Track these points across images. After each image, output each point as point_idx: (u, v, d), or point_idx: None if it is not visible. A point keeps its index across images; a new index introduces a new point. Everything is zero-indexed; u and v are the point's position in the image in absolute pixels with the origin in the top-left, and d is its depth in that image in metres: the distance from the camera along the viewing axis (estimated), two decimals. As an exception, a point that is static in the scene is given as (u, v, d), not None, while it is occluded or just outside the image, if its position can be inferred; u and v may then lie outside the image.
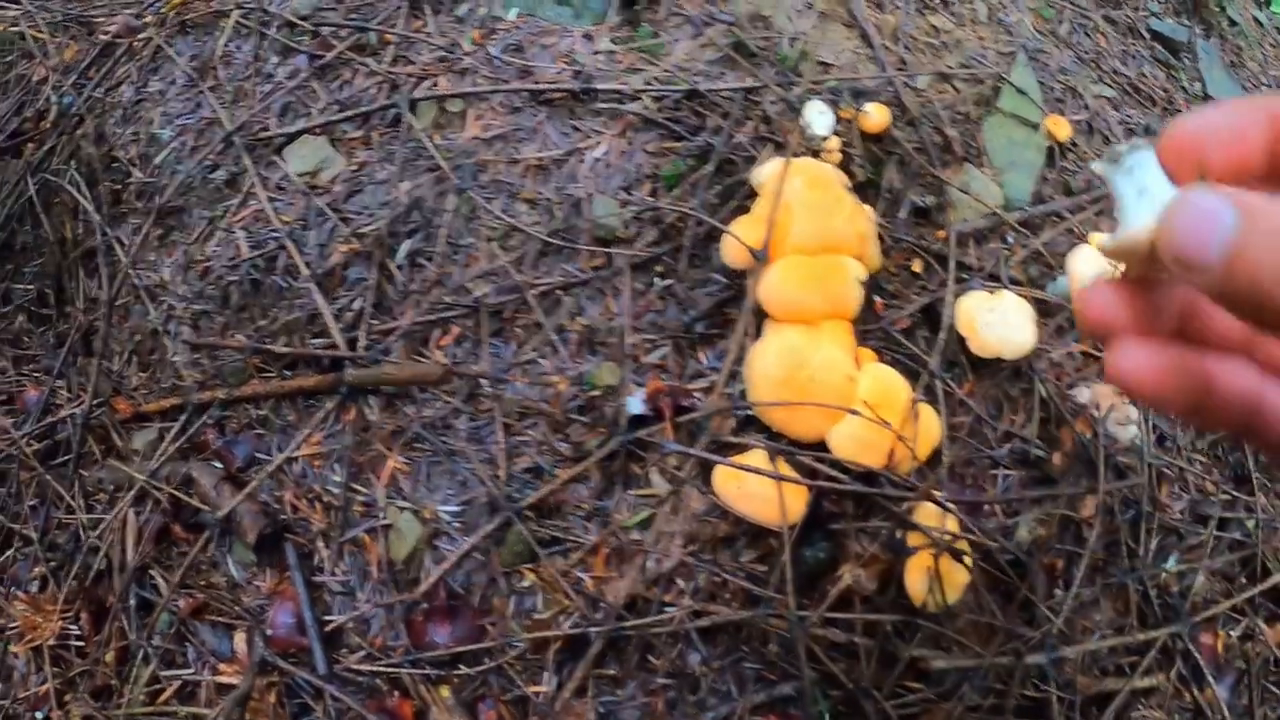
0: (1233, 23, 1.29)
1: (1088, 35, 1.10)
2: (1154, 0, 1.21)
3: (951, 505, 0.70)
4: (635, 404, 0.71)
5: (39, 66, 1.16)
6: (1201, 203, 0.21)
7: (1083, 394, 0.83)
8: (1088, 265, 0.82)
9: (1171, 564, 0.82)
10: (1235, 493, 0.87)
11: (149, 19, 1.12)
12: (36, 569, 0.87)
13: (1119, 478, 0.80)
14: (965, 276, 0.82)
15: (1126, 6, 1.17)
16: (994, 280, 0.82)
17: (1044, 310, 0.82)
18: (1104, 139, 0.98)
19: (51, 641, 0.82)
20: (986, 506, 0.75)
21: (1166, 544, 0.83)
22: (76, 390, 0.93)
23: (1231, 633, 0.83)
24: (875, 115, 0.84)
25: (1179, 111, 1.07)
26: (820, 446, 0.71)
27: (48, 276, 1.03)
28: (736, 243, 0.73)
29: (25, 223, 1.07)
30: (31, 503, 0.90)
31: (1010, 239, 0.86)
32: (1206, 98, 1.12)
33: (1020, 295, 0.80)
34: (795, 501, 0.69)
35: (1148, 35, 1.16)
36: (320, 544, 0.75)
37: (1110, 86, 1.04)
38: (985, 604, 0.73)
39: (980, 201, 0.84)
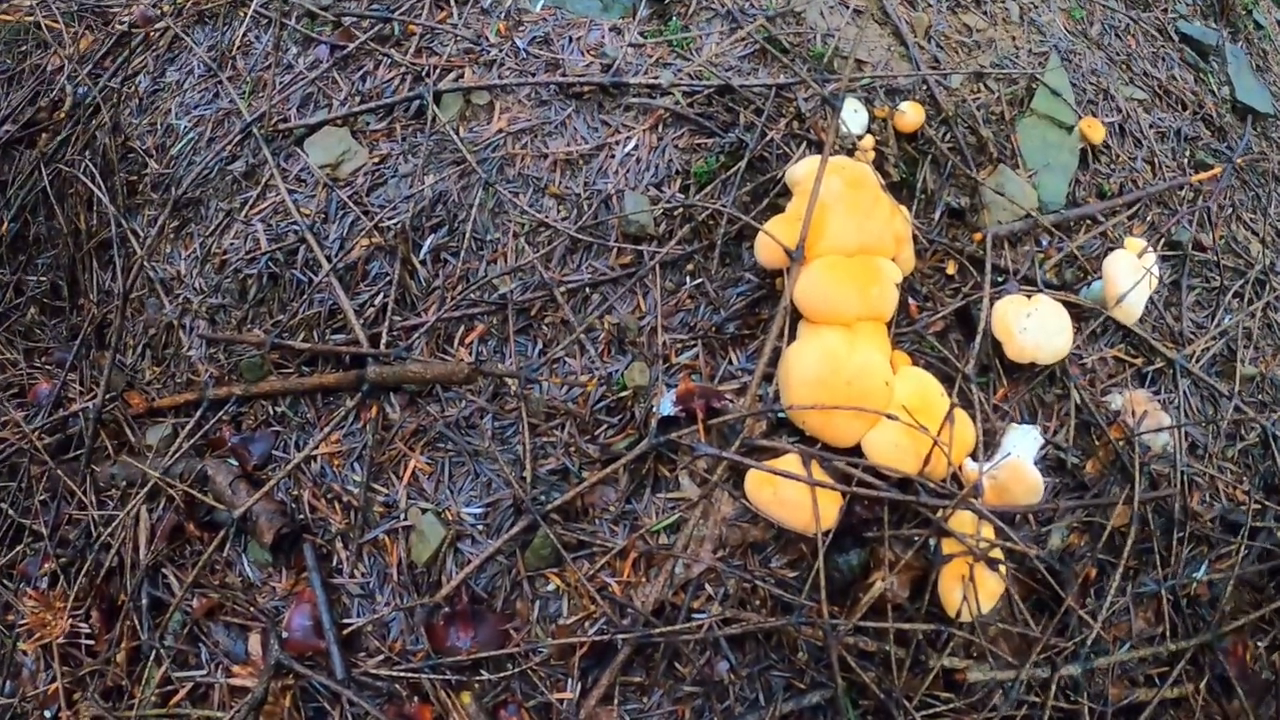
0: (1258, 26, 1.27)
1: (1118, 37, 1.07)
2: (1182, 2, 1.18)
3: (989, 513, 0.67)
4: (667, 405, 0.69)
5: (54, 56, 1.13)
6: None
7: (1116, 400, 0.81)
8: (1123, 270, 0.79)
9: (1202, 573, 0.80)
10: (1266, 502, 0.85)
11: (166, 8, 1.09)
12: (46, 565, 0.84)
13: (1151, 486, 0.78)
14: (1000, 280, 0.79)
15: (1155, 8, 1.14)
16: (1029, 284, 0.80)
17: (1077, 315, 0.80)
18: (1135, 142, 0.96)
19: (61, 640, 0.80)
20: (1019, 514, 0.72)
21: (1197, 553, 0.81)
22: (89, 384, 0.91)
23: (1260, 643, 0.81)
24: (910, 114, 0.81)
25: (1209, 116, 1.04)
26: (855, 451, 0.69)
27: (61, 268, 1.00)
28: (771, 242, 0.70)
29: (39, 214, 1.04)
30: (42, 497, 0.87)
31: (1044, 242, 0.83)
32: (1235, 103, 1.09)
33: (1055, 299, 0.77)
34: (829, 508, 0.66)
35: (1176, 37, 1.13)
36: (339, 545, 0.73)
37: (1141, 89, 1.01)
38: (1018, 613, 0.70)
39: (1015, 204, 0.81)
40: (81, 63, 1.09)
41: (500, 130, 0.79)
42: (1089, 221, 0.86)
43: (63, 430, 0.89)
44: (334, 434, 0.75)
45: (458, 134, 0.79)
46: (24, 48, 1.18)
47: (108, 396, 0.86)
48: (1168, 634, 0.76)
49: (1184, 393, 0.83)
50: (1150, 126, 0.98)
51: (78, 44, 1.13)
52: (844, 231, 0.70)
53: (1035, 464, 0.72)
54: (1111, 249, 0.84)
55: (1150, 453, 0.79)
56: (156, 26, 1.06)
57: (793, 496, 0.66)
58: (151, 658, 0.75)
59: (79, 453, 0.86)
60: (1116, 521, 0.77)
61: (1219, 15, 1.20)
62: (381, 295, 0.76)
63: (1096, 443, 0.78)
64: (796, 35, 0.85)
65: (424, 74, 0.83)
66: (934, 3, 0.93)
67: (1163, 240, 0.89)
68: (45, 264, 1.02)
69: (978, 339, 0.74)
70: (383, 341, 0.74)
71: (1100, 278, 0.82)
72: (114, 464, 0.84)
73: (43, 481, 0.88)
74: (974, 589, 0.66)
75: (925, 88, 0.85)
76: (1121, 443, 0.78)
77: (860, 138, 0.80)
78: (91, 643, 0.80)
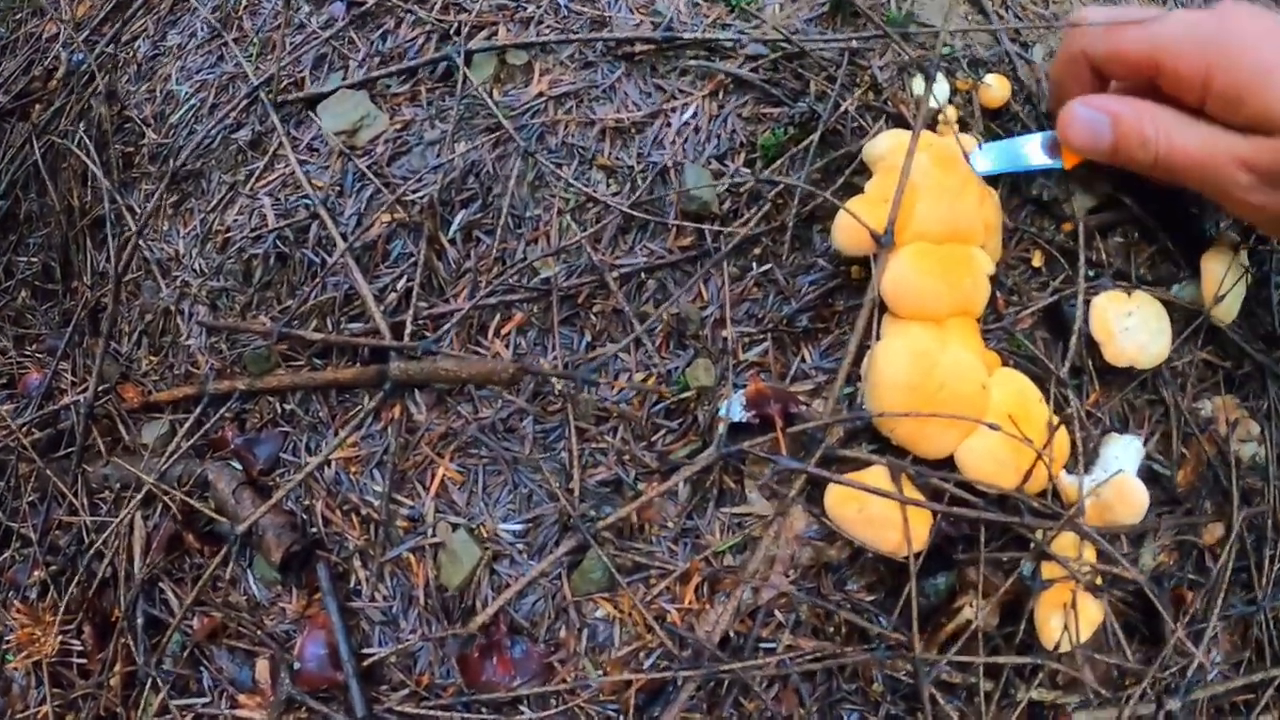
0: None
1: (1204, 3, 0.92)
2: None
3: (1096, 535, 0.53)
4: (737, 410, 0.54)
5: (50, 23, 0.95)
6: (1082, 114, 0.53)
7: (1206, 407, 0.67)
8: (1220, 266, 0.65)
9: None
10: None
11: (168, -31, 0.91)
12: (36, 573, 0.68)
13: (1244, 500, 0.65)
14: (1091, 274, 0.65)
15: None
16: (1122, 279, 0.65)
17: (1169, 313, 0.66)
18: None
19: (51, 658, 0.65)
20: (1120, 535, 0.59)
21: (1284, 570, 0.68)
22: (82, 374, 0.74)
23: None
24: (996, 88, 0.66)
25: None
26: (946, 463, 0.55)
27: (54, 248, 0.83)
28: (852, 225, 0.55)
29: (30, 190, 0.86)
30: (31, 499, 0.72)
31: (1137, 234, 0.69)
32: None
33: (1152, 294, 0.63)
34: (920, 526, 0.52)
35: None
36: (357, 564, 0.58)
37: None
38: (1114, 641, 0.57)
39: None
40: (78, 29, 0.91)
41: (541, 94, 0.63)
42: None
43: (54, 425, 0.73)
44: (351, 436, 0.59)
45: (492, 97, 0.63)
46: (18, 16, 1.00)
47: (101, 389, 0.70)
48: (1254, 660, 0.64)
49: (1273, 399, 0.70)
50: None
51: (75, 9, 0.95)
52: (933, 215, 0.56)
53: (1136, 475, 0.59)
54: (1206, 243, 0.70)
55: (1240, 463, 0.66)
56: (158, -13, 0.88)
57: (881, 514, 0.52)
58: (149, 684, 0.60)
59: (70, 450, 0.70)
60: (1208, 539, 0.64)
61: None
62: (405, 279, 0.61)
63: (1187, 453, 0.65)
64: (867, -2, 0.69)
65: (452, 31, 0.67)
66: (1012, -31, 0.77)
67: (1254, 234, 0.75)
68: (37, 244, 0.85)
69: (1072, 339, 0.60)
70: (406, 332, 0.58)
71: (1192, 273, 0.68)
72: (106, 464, 0.69)
73: (31, 481, 0.72)
74: (1075, 618, 0.53)
75: (1007, 60, 0.69)
76: (1214, 452, 0.65)
77: (941, 111, 0.65)
78: (84, 661, 0.65)
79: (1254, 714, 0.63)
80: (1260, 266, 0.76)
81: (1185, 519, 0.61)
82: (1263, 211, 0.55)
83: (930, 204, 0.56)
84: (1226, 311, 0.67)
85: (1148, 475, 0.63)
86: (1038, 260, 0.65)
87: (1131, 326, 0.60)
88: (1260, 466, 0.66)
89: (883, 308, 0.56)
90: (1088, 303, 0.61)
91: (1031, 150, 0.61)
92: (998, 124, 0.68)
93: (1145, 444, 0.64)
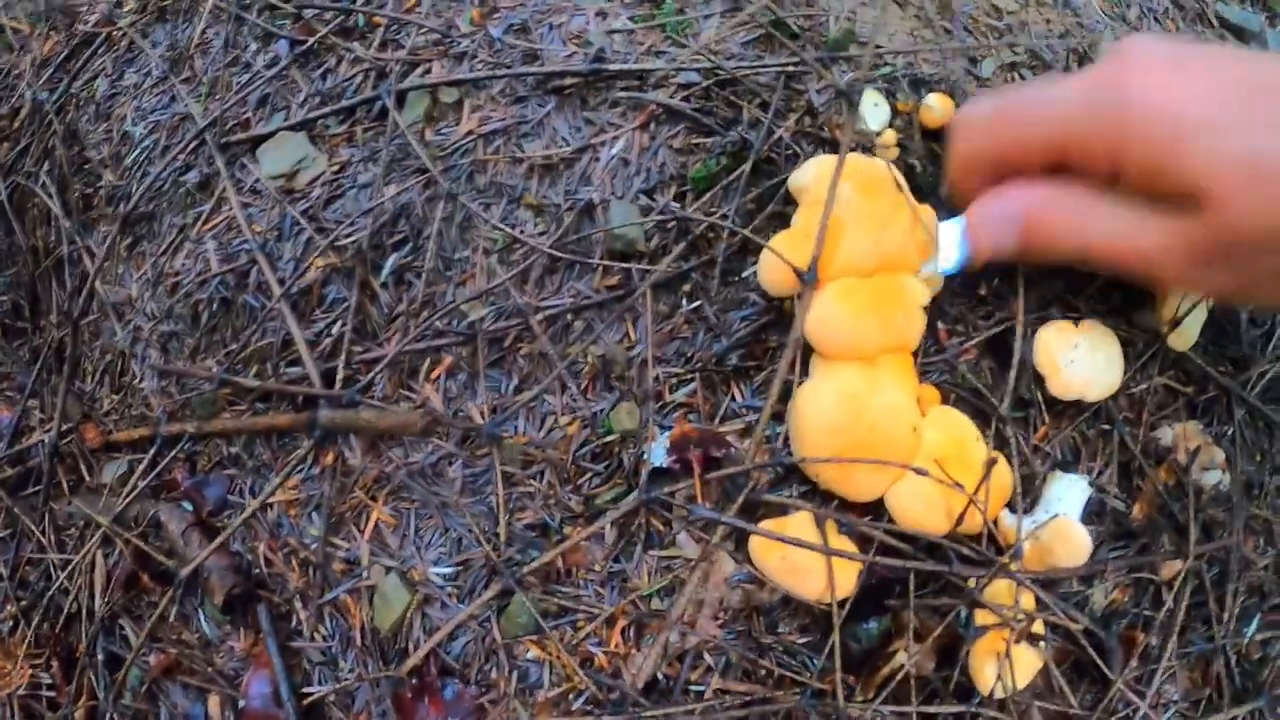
0: (1297, 11, 1.06)
1: (1156, 20, 0.88)
2: (1222, -17, 0.98)
3: (1030, 583, 0.52)
4: (659, 454, 0.53)
5: (16, 60, 0.97)
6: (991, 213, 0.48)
7: (1166, 435, 0.65)
8: (1176, 291, 0.62)
9: (1253, 628, 0.64)
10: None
11: (130, 4, 0.92)
12: (8, 608, 0.71)
13: (1204, 533, 0.62)
14: (1040, 303, 0.62)
15: (1195, -11, 0.94)
16: (1071, 309, 0.63)
17: (1125, 339, 0.63)
18: (1184, 137, 0.77)
19: (22, 691, 0.68)
20: (1063, 579, 0.57)
21: (1250, 604, 0.65)
22: (50, 411, 0.77)
23: (1321, 702, 0.66)
24: (938, 107, 0.64)
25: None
26: (876, 505, 0.54)
27: (22, 287, 0.85)
28: (778, 263, 0.54)
29: None
30: (2, 535, 0.75)
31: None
32: None
33: (1104, 325, 0.60)
34: (846, 575, 0.52)
35: (1216, 22, 0.93)
36: (298, 605, 0.59)
37: (1188, 77, 0.82)
38: (1056, 685, 0.55)
39: None
40: (42, 67, 0.93)
41: (470, 132, 0.62)
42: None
43: (23, 462, 0.76)
44: (291, 480, 0.60)
45: (422, 137, 0.63)
46: (-9, 53, 1.02)
47: (65, 428, 0.72)
48: (1215, 696, 0.62)
49: (1239, 424, 0.67)
50: (1198, 120, 0.80)
51: (41, 47, 0.96)
52: (859, 247, 0.54)
53: (1081, 516, 0.57)
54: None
55: (1202, 494, 0.63)
56: (118, 26, 0.90)
57: (805, 562, 0.51)
58: (108, 718, 0.62)
59: (37, 488, 0.73)
60: (1166, 574, 0.62)
61: (1261, -3, 1.00)
62: (339, 323, 0.61)
63: (1143, 485, 0.62)
64: (807, 18, 0.67)
65: (386, 70, 0.67)
66: (963, -21, 0.74)
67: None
68: (6, 282, 0.87)
69: (1012, 372, 0.58)
70: (339, 378, 0.59)
71: (1151, 298, 0.65)
72: (70, 503, 0.71)
73: (1, 518, 0.75)
74: (1010, 667, 0.52)
75: (954, 77, 0.67)
76: (1171, 483, 0.63)
77: (880, 133, 0.63)
78: (53, 695, 0.67)
79: (1216, 753, 0.61)
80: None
81: (1138, 558, 0.59)
82: (1207, 288, 0.50)
83: (857, 236, 0.54)
84: (1184, 337, 0.64)
85: (1100, 509, 0.61)
86: (984, 287, 0.63)
87: (1078, 359, 0.58)
88: (1224, 495, 0.64)
89: (810, 347, 0.54)
90: (1034, 332, 0.59)
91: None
92: (940, 145, 0.65)
93: (1099, 477, 0.62)
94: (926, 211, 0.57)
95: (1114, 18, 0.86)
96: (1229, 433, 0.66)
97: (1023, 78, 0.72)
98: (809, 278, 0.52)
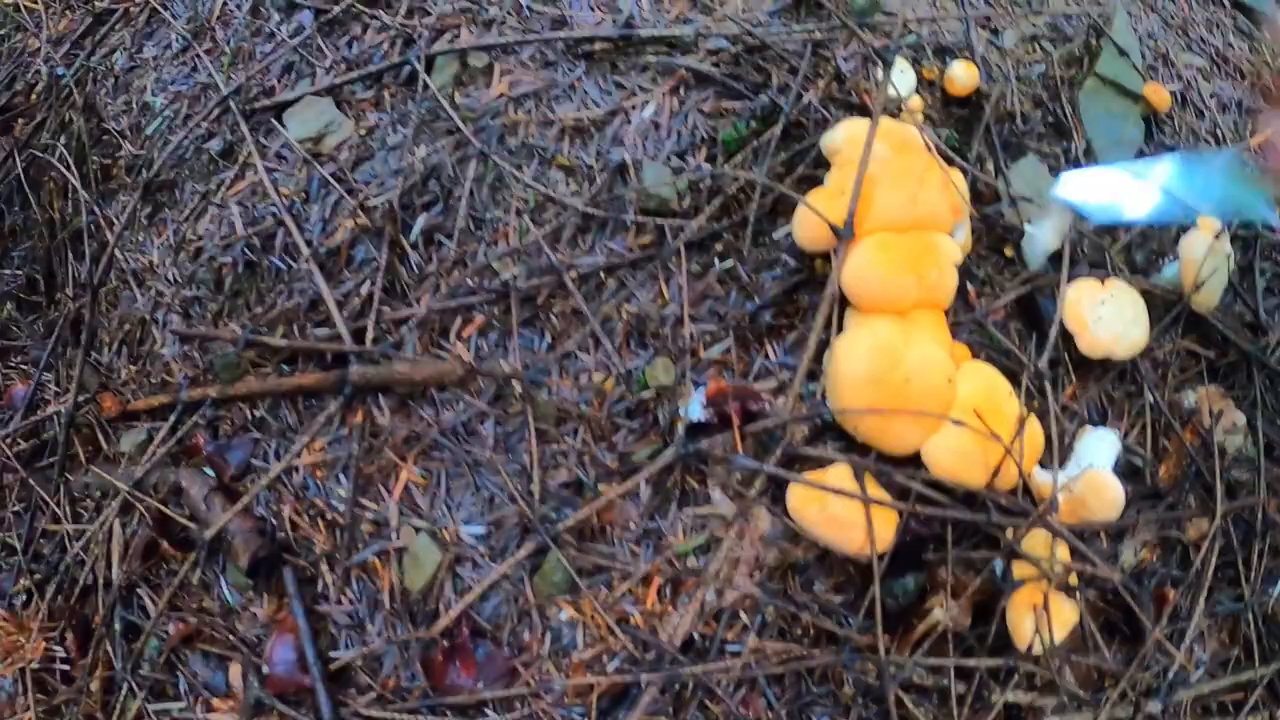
0: (1300, -3, 1.09)
1: (1171, 1, 0.90)
2: (1229, -32, 1.00)
3: (1067, 533, 0.52)
4: (696, 408, 0.54)
5: (32, 38, 0.97)
6: None
7: (1190, 398, 0.66)
8: (1200, 252, 0.64)
9: (1278, 589, 0.65)
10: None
11: (148, -19, 0.92)
12: (21, 581, 0.70)
13: (1229, 494, 0.63)
14: (1069, 262, 0.63)
15: (1203, -27, 0.97)
16: (1098, 268, 0.64)
17: (1149, 302, 0.64)
18: (1197, 113, 0.79)
19: (35, 664, 0.66)
20: (1096, 532, 0.57)
21: (1273, 566, 0.66)
22: (65, 384, 0.76)
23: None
24: (963, 75, 0.65)
25: (1267, 88, 0.87)
26: (912, 460, 0.54)
27: (37, 261, 0.85)
28: (812, 218, 0.54)
29: (14, 203, 0.88)
30: (16, 508, 0.73)
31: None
32: (1290, 73, 0.92)
33: (1129, 285, 0.61)
34: (885, 527, 0.52)
35: (1228, 3, 0.96)
36: (324, 568, 0.58)
37: (1199, 55, 0.84)
38: (1090, 642, 0.56)
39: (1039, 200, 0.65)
40: (58, 43, 0.93)
41: (501, 95, 0.63)
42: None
43: (38, 435, 0.75)
44: (317, 441, 0.60)
45: (452, 100, 0.63)
46: (2, 31, 1.02)
47: (82, 398, 0.71)
48: (1243, 657, 0.62)
49: (1260, 388, 0.68)
50: (1211, 96, 0.82)
51: (55, 25, 0.96)
52: (894, 204, 0.55)
53: (1113, 470, 0.57)
54: (1185, 228, 0.68)
55: (1226, 455, 0.64)
56: (135, 1, 0.90)
57: (844, 514, 0.51)
58: (125, 689, 0.61)
59: (53, 460, 0.72)
60: (1192, 534, 0.62)
61: (1268, -19, 1.02)
62: (368, 283, 0.61)
63: (1169, 445, 0.63)
64: (832, -12, 0.68)
65: (414, 36, 0.67)
66: (983, -46, 0.76)
67: (1236, 219, 0.73)
68: (21, 257, 0.86)
69: (1053, 330, 0.58)
70: (369, 336, 0.59)
71: (1174, 260, 0.66)
72: (87, 473, 0.70)
73: (15, 490, 0.73)
74: (1049, 619, 0.52)
75: (979, 47, 0.68)
76: (1197, 445, 0.63)
77: (906, 100, 0.64)
78: (67, 668, 0.66)
79: (1242, 713, 0.61)
80: (1245, 252, 0.74)
81: (1167, 514, 0.60)
82: None
83: (890, 192, 0.55)
84: (1207, 299, 0.66)
85: (1128, 470, 0.62)
86: (1010, 250, 0.64)
87: (1105, 316, 0.59)
88: (1247, 458, 0.65)
89: (845, 302, 0.55)
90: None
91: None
92: (965, 112, 0.67)
93: (1125, 437, 0.62)
94: (956, 174, 0.58)
95: (1128, -4, 0.88)
96: (1250, 396, 0.67)
97: (1043, 49, 0.73)
98: (845, 233, 0.53)
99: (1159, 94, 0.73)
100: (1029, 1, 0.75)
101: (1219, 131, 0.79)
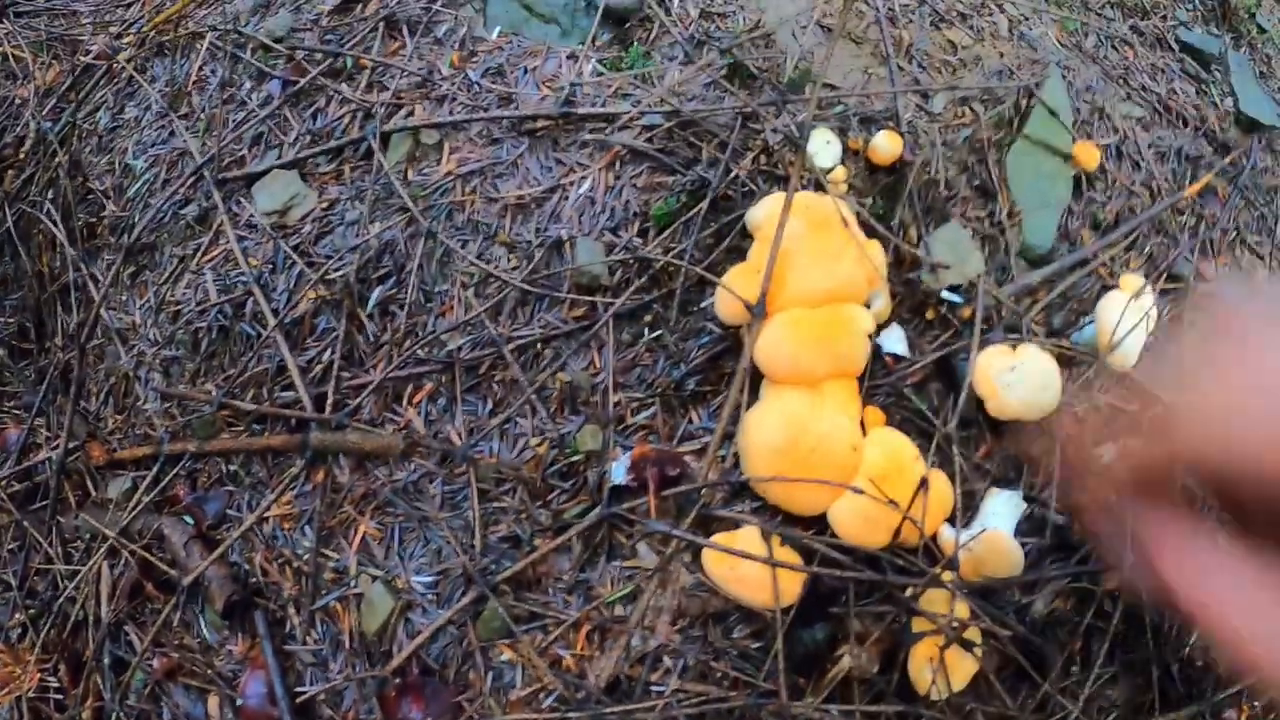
0: (1262, 30, 1.11)
1: (1114, 48, 0.93)
2: (1182, 8, 1.03)
3: (963, 591, 0.58)
4: (619, 473, 0.60)
5: (21, 89, 1.03)
6: None
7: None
8: (1117, 313, 0.68)
9: (1195, 636, 0.70)
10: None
11: (130, 38, 0.99)
12: (16, 616, 0.78)
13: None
14: (984, 327, 0.68)
15: (1154, 16, 1.00)
16: (1013, 332, 0.69)
17: (1069, 360, 0.69)
18: (1134, 165, 0.83)
19: (31, 693, 0.74)
20: (998, 588, 0.63)
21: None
22: (56, 429, 0.83)
23: (1256, 704, 0.71)
24: (886, 145, 0.70)
25: (1211, 131, 0.91)
26: (819, 520, 0.60)
27: (28, 310, 0.92)
28: (731, 296, 0.60)
29: (4, 254, 0.96)
30: (11, 547, 0.81)
31: (1036, 280, 0.72)
32: (1239, 115, 0.95)
33: (1043, 347, 0.66)
34: (791, 584, 0.58)
35: (1177, 46, 0.99)
36: (292, 611, 0.65)
37: (1140, 104, 0.88)
38: (995, 690, 0.61)
39: (963, 267, 0.69)
40: (45, 96, 0.99)
41: (449, 173, 0.69)
42: (1081, 261, 0.74)
43: (30, 478, 0.82)
44: (285, 495, 0.67)
45: (405, 177, 0.69)
46: (-4, 81, 1.09)
47: (72, 445, 0.79)
48: (1158, 702, 0.67)
49: (1177, 438, 0.72)
50: (1149, 146, 0.85)
51: (44, 76, 1.03)
52: (808, 279, 0.60)
53: (1018, 529, 0.62)
54: (1107, 287, 0.73)
55: (1140, 505, 0.68)
56: (119, 59, 0.96)
57: (752, 573, 0.57)
58: (115, 718, 0.69)
59: (44, 503, 0.79)
60: (1110, 584, 0.67)
61: (1221, 20, 1.05)
62: (329, 351, 0.67)
63: (1083, 501, 0.68)
64: (766, 59, 0.73)
65: (372, 111, 0.73)
66: (915, 19, 0.80)
67: (1163, 275, 0.77)
68: (13, 305, 0.94)
69: (963, 394, 0.64)
70: (329, 402, 0.65)
71: (1093, 320, 0.71)
72: (77, 516, 0.77)
73: (10, 530, 0.81)
74: (944, 670, 0.57)
75: (907, 113, 0.73)
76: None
77: (831, 170, 0.69)
78: (60, 697, 0.74)
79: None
80: (1175, 304, 0.78)
81: (1066, 570, 0.65)
82: None
83: (806, 269, 0.60)
84: (1123, 359, 0.70)
85: (1040, 524, 0.66)
86: (931, 314, 0.69)
87: (1014, 382, 0.64)
88: (1161, 508, 0.69)
89: (759, 373, 0.60)
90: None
91: None
92: (890, 180, 0.71)
93: (1041, 492, 0.67)
94: (873, 245, 0.63)
95: (1070, 47, 0.91)
96: (1166, 448, 0.71)
97: (973, 111, 0.78)
98: (758, 311, 0.59)
99: (1088, 152, 0.78)
100: (963, 64, 0.80)
101: (1154, 184, 0.83)
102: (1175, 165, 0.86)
